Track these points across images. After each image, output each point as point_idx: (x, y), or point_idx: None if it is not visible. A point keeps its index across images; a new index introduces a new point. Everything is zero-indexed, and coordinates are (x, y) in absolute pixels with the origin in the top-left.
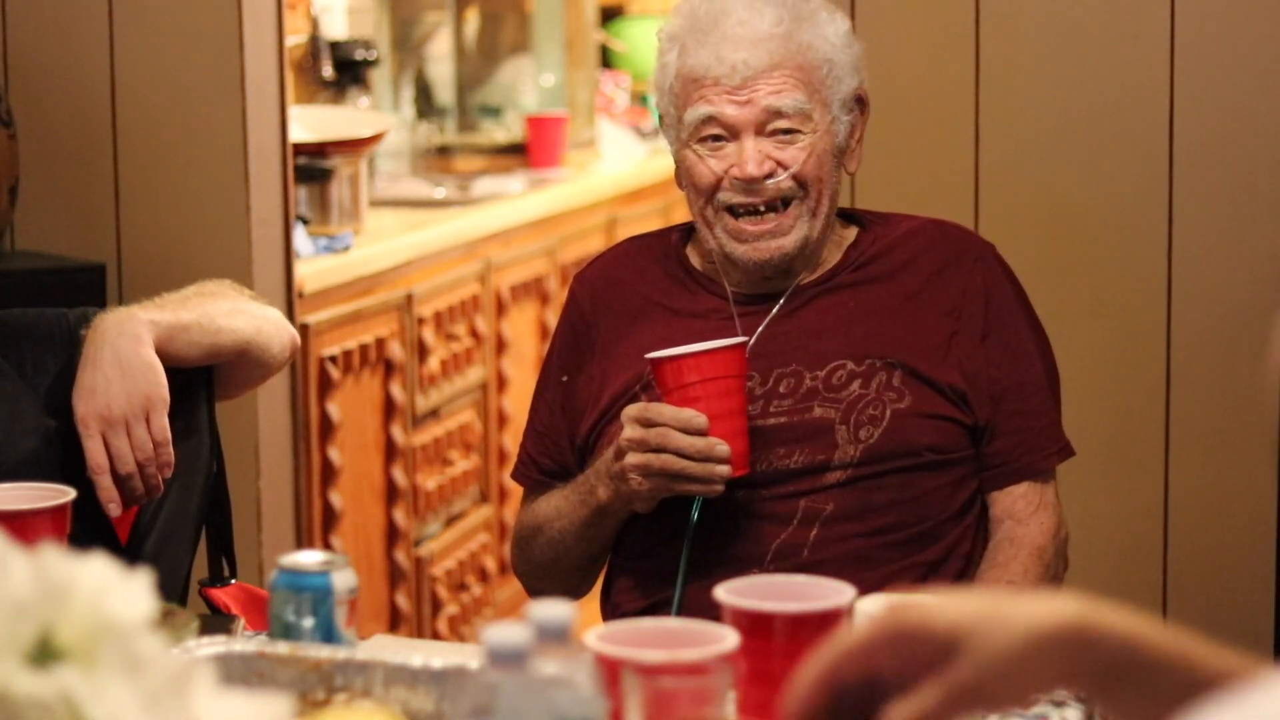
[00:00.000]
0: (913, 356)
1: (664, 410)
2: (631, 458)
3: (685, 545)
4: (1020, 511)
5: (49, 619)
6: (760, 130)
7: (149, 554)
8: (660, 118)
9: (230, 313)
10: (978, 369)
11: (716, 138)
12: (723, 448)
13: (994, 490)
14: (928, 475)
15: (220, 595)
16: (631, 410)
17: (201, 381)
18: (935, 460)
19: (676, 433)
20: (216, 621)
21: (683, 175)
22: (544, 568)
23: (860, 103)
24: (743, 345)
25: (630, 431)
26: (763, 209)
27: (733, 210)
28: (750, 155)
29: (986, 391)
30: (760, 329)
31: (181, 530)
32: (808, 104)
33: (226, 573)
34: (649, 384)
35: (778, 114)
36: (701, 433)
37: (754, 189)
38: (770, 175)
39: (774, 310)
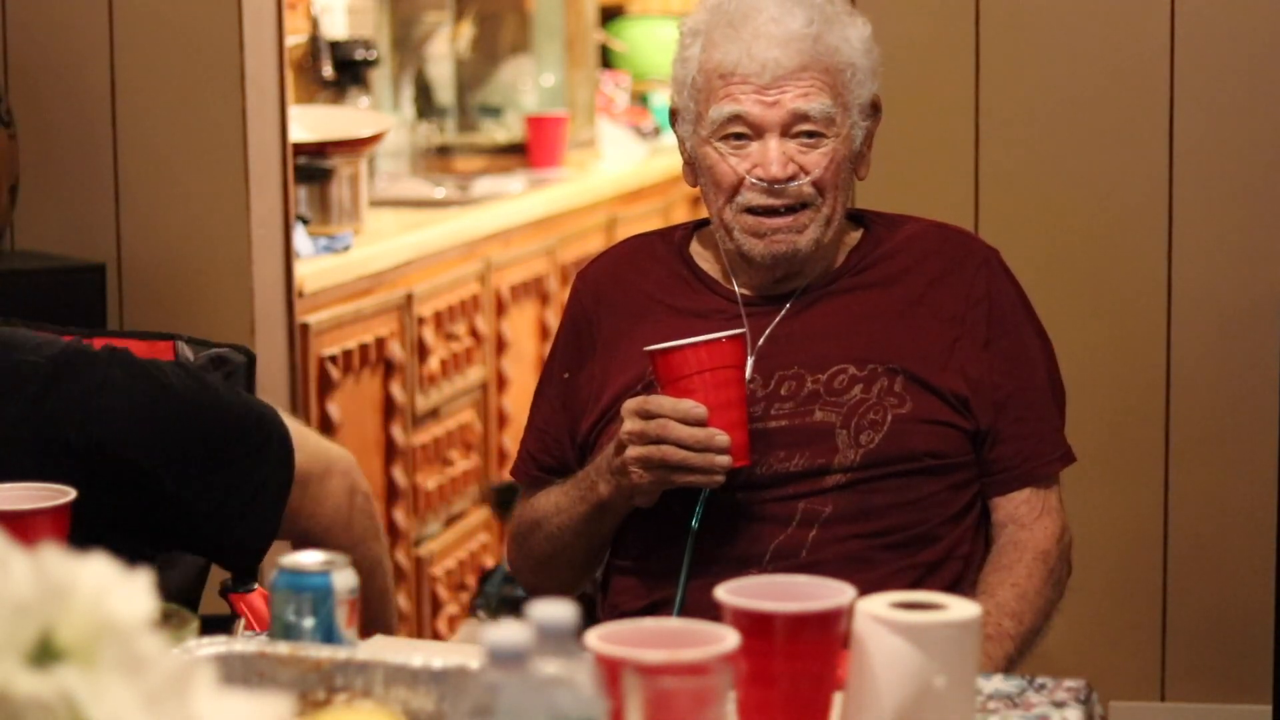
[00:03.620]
0: (915, 362)
1: (663, 402)
2: (632, 450)
3: (688, 545)
4: (1023, 516)
5: (49, 619)
6: (785, 132)
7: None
8: (673, 112)
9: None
10: (980, 375)
11: (739, 136)
12: (722, 438)
13: (996, 496)
14: (927, 479)
15: (242, 604)
16: (631, 404)
17: (243, 372)
18: (935, 465)
19: (676, 424)
20: (216, 622)
21: (702, 173)
22: (541, 563)
23: (874, 108)
24: (741, 337)
25: (630, 424)
26: (783, 211)
27: (752, 210)
28: (774, 156)
29: (989, 398)
30: (766, 333)
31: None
32: (833, 108)
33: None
34: (650, 383)
35: (804, 118)
36: (701, 423)
37: (776, 190)
38: (793, 178)
39: (781, 312)
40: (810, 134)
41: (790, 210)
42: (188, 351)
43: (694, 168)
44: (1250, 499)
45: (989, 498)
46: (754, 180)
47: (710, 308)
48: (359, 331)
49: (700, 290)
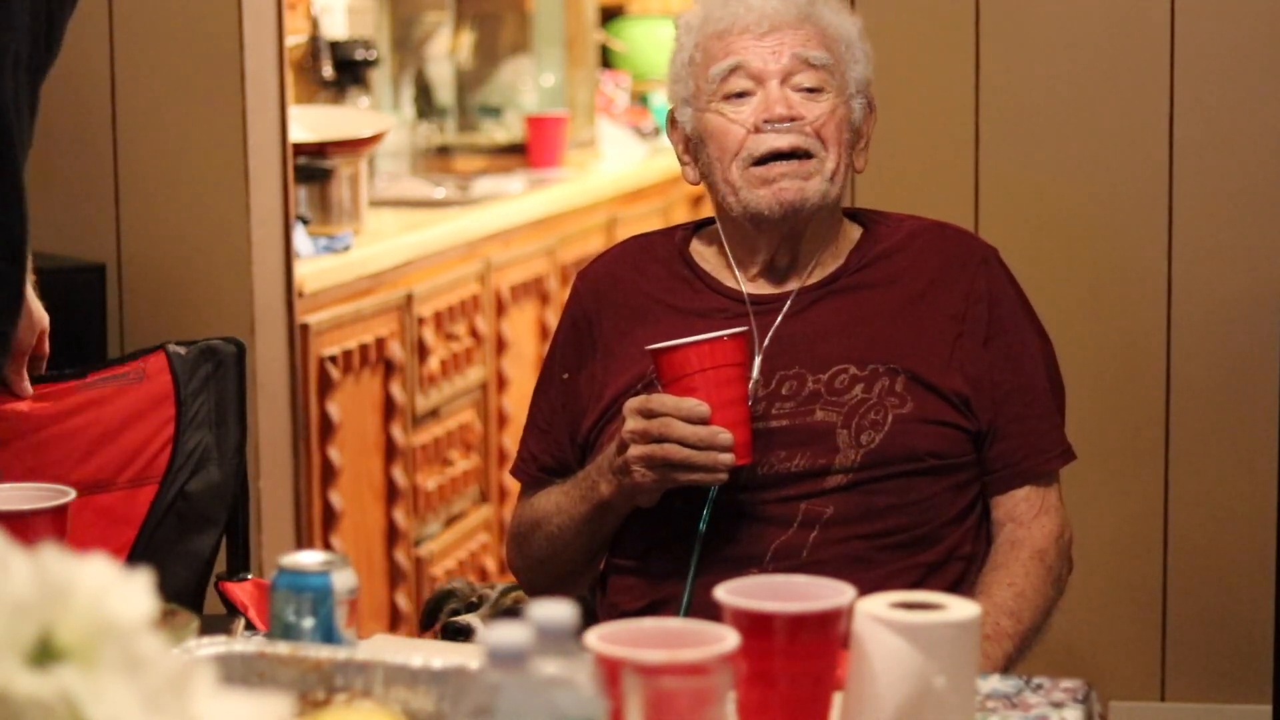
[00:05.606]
0: (915, 362)
1: (665, 400)
2: (634, 449)
3: (696, 546)
4: (1022, 514)
5: (49, 619)
6: (785, 80)
7: (169, 538)
8: (670, 115)
9: None
10: (980, 373)
11: (741, 94)
12: (725, 436)
13: (996, 494)
14: (928, 480)
15: (236, 591)
16: (633, 402)
17: (233, 362)
18: (936, 465)
19: (679, 422)
20: (216, 621)
21: (707, 145)
22: (541, 563)
23: (869, 101)
24: (743, 335)
25: (632, 423)
26: (787, 153)
27: (759, 161)
28: (776, 97)
29: (989, 396)
30: (771, 330)
31: (207, 516)
32: (831, 61)
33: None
34: (651, 383)
35: (805, 64)
36: (704, 421)
37: (781, 128)
38: (795, 119)
39: (784, 310)
40: (811, 89)
41: (795, 155)
42: (179, 352)
43: (695, 157)
44: (1250, 499)
45: (989, 496)
46: (759, 124)
47: (711, 307)
48: (359, 331)
49: (701, 290)
